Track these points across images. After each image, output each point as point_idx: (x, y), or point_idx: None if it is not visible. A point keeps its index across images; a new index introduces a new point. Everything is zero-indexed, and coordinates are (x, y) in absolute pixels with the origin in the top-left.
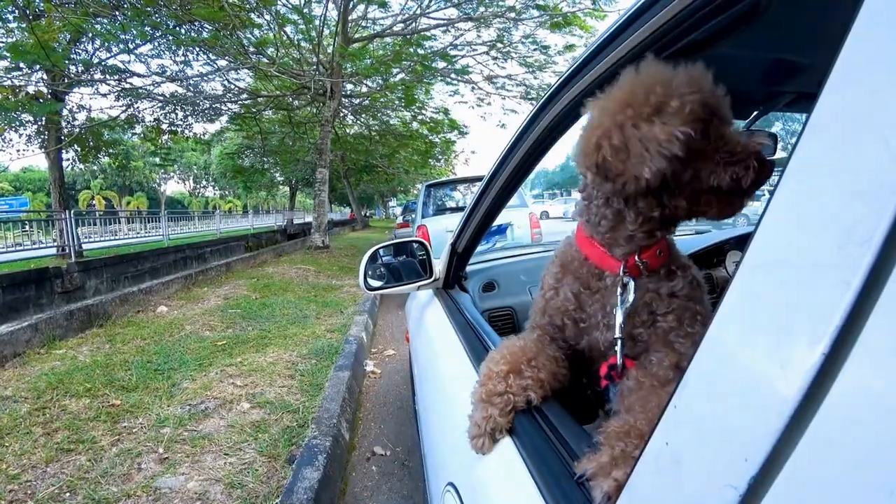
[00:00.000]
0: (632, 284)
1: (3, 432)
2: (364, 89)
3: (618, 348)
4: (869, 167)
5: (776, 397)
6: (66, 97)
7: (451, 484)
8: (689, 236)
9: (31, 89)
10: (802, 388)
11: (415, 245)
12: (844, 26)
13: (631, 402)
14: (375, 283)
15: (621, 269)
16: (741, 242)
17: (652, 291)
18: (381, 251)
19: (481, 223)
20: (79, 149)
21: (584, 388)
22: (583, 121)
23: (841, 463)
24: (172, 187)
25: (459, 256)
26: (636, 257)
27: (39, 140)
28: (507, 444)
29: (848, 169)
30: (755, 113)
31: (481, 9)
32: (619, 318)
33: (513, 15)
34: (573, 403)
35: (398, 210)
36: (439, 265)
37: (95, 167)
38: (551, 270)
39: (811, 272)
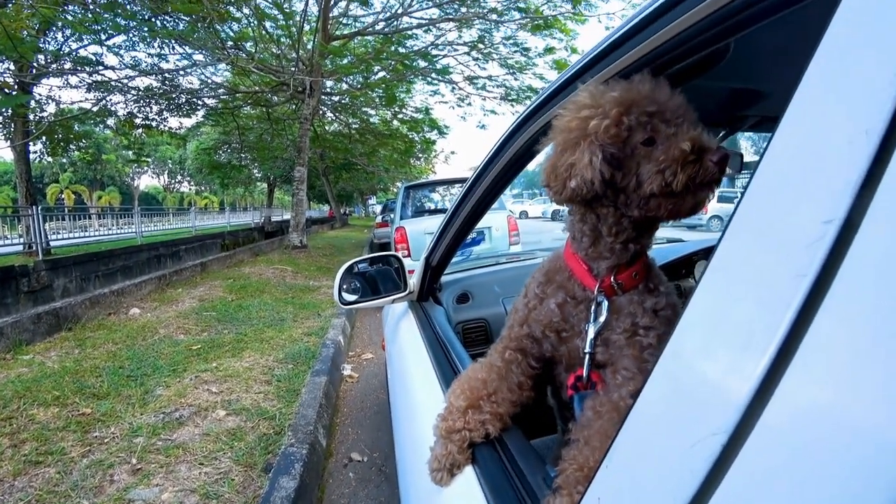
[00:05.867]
0: (605, 304)
1: None
2: (344, 87)
3: (586, 361)
4: (828, 177)
5: (713, 422)
6: (34, 88)
7: None
8: (662, 246)
9: None
10: (740, 405)
11: (390, 259)
12: (800, 58)
13: (590, 435)
14: (350, 298)
15: (596, 287)
16: (709, 253)
17: (636, 303)
18: (357, 265)
19: (455, 237)
20: (47, 141)
21: (546, 400)
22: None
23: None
24: (146, 182)
25: (433, 270)
26: (612, 278)
27: (4, 132)
28: (468, 474)
29: (807, 182)
30: (721, 133)
31: (463, 9)
32: (590, 334)
33: (494, 16)
34: (538, 413)
35: (378, 208)
36: (414, 278)
37: (65, 160)
38: (537, 279)
39: (765, 281)
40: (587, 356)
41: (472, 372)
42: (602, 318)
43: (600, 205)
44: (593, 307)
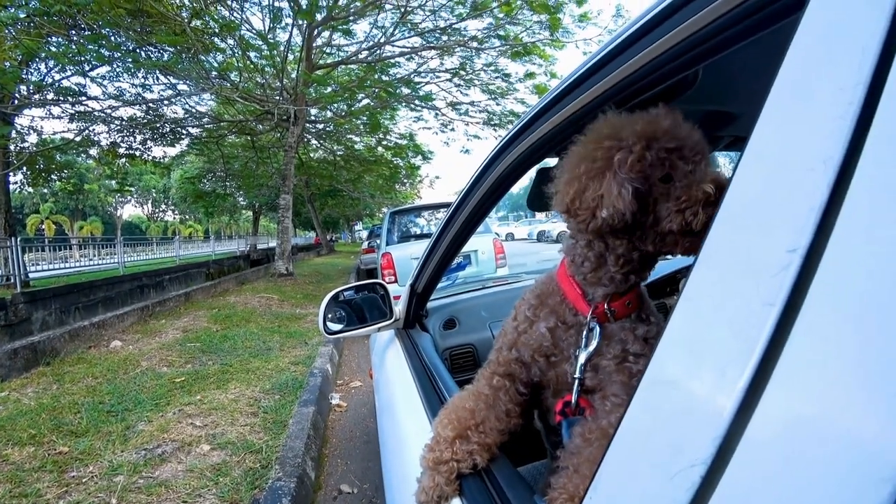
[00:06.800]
0: (597, 330)
1: None
2: (329, 114)
3: (575, 387)
4: (791, 205)
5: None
6: (15, 119)
7: None
8: None
9: None
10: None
11: (376, 287)
12: (765, 83)
13: (579, 462)
14: (335, 327)
15: (589, 313)
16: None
17: (627, 330)
18: (342, 293)
19: (440, 263)
20: (28, 172)
21: (533, 424)
22: (559, 167)
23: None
24: (130, 211)
25: (419, 296)
26: (605, 305)
27: None
28: None
29: (770, 211)
30: None
31: (444, 38)
32: (580, 360)
33: (475, 44)
34: (525, 437)
35: (364, 234)
36: (400, 305)
37: (46, 190)
38: (528, 301)
39: (736, 310)
40: (576, 381)
41: (459, 401)
42: (593, 345)
43: (614, 236)
44: (585, 333)
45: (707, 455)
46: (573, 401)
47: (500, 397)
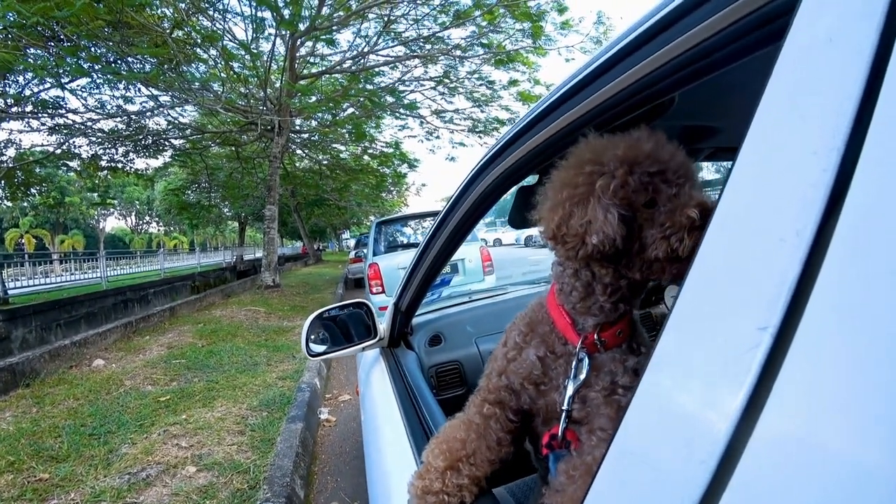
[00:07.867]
0: (586, 361)
1: None
2: (313, 124)
3: (562, 419)
4: (761, 281)
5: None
6: None
7: None
8: None
9: None
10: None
11: (360, 305)
12: (744, 97)
13: (563, 501)
14: (318, 349)
15: (579, 343)
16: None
17: (617, 361)
18: (325, 313)
19: (425, 279)
20: (6, 186)
21: (524, 446)
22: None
23: None
24: (113, 223)
25: (403, 314)
26: (595, 335)
27: None
28: None
29: (740, 286)
30: None
31: (428, 47)
32: (568, 391)
33: (458, 52)
34: (517, 453)
35: (352, 243)
36: (384, 324)
37: (25, 204)
38: (518, 327)
39: (704, 385)
40: (563, 413)
41: (450, 430)
42: (582, 376)
43: (600, 264)
44: (574, 363)
45: None
46: (560, 433)
47: (490, 426)
